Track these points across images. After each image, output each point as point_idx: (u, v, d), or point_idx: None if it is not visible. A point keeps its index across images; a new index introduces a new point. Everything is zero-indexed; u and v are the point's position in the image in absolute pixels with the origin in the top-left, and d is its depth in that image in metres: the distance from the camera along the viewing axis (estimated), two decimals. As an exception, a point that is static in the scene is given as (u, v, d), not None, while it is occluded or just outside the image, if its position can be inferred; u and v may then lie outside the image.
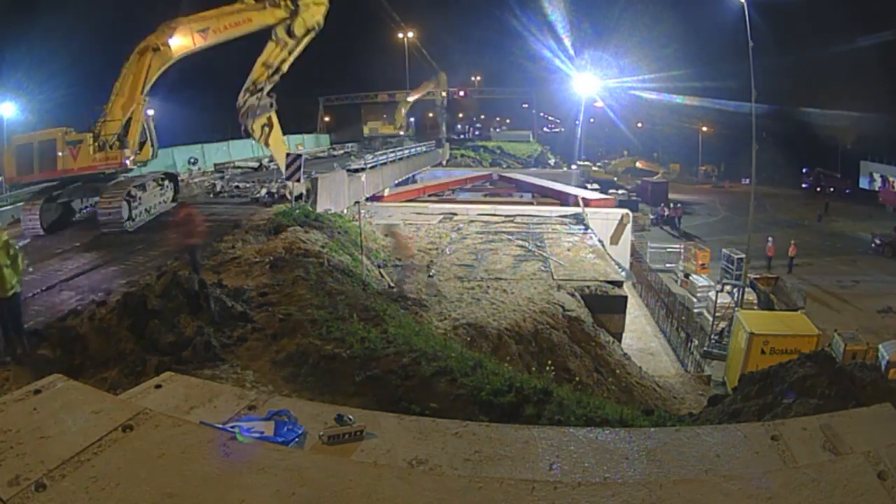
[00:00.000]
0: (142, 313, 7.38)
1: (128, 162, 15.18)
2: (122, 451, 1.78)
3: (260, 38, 16.84)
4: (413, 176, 35.77)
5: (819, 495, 1.60)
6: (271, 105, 17.35)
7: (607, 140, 71.58)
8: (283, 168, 17.12)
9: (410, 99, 47.79)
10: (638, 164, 59.20)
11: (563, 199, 27.34)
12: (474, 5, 71.66)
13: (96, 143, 14.58)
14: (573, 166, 49.95)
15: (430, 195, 31.30)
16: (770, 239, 27.63)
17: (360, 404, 5.88)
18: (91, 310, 8.14)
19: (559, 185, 33.02)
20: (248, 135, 17.65)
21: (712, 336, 18.28)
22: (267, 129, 17.47)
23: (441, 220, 21.12)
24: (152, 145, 16.35)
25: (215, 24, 15.34)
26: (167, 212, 15.65)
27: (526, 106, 70.88)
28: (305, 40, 16.91)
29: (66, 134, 14.55)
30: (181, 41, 14.86)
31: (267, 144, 17.87)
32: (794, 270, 26.35)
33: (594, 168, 55.93)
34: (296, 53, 17.04)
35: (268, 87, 17.10)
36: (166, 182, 16.75)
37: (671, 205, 39.73)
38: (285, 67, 17.15)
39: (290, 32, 16.45)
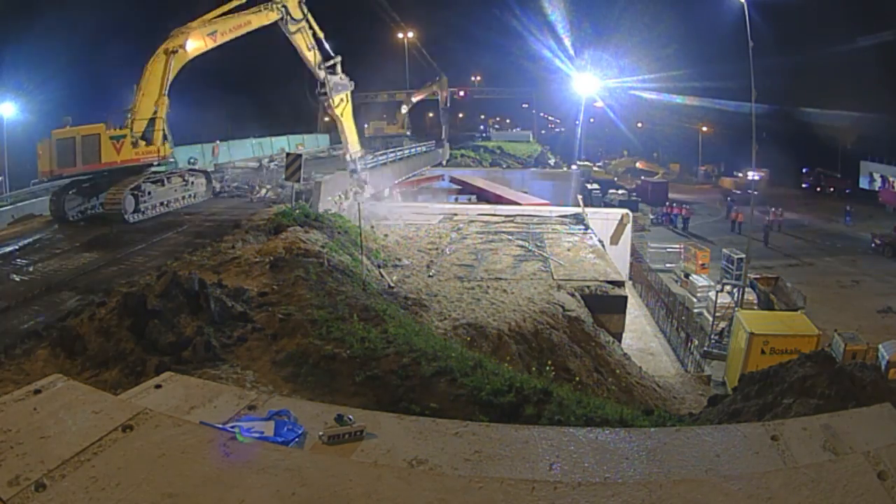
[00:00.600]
0: (142, 313, 7.38)
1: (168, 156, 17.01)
2: (122, 451, 1.78)
3: (258, 38, 18.42)
4: (414, 175, 35.75)
5: (819, 495, 1.60)
6: (350, 83, 20.14)
7: (607, 140, 71.60)
8: (352, 146, 20.77)
9: (414, 99, 47.61)
10: (638, 165, 59.18)
11: (497, 201, 28.22)
12: (474, 5, 71.73)
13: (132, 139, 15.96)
14: (573, 166, 49.93)
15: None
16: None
17: (360, 404, 5.89)
18: (91, 310, 8.15)
19: (500, 188, 33.46)
20: (324, 109, 20.83)
21: (712, 336, 18.27)
22: (343, 103, 20.14)
23: (441, 220, 21.12)
24: (170, 142, 17.66)
25: (222, 27, 16.66)
26: (197, 204, 17.77)
27: (526, 106, 70.88)
28: (307, 12, 18.86)
29: (108, 129, 15.69)
30: (195, 44, 16.20)
31: (340, 116, 20.30)
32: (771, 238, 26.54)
33: (595, 168, 55.90)
34: (314, 25, 18.96)
35: (339, 68, 19.70)
36: (192, 178, 18.00)
37: (682, 205, 39.53)
38: (322, 34, 19.26)
39: (293, 19, 18.33)
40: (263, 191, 19.40)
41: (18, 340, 7.84)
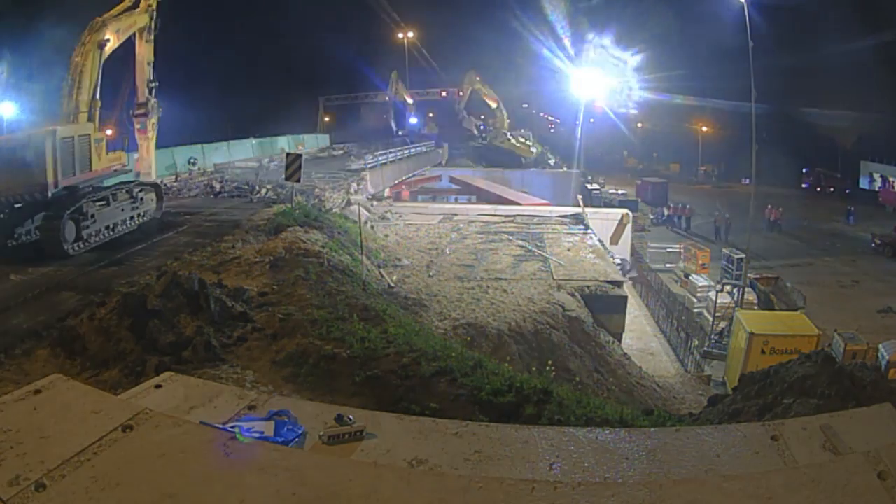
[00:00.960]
0: (142, 313, 7.38)
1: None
2: (122, 451, 1.78)
3: (259, 38, 17.62)
4: (413, 175, 35.79)
5: (819, 495, 1.60)
6: (160, 108, 18.96)
7: (607, 140, 71.41)
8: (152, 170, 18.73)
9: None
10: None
11: (497, 201, 28.13)
12: (474, 5, 71.57)
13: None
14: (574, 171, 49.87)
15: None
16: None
17: (360, 404, 5.89)
18: (91, 310, 8.15)
19: (500, 187, 33.50)
20: (136, 130, 18.73)
21: (712, 336, 18.27)
22: (154, 128, 18.98)
23: (441, 220, 21.12)
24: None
25: (123, 24, 15.64)
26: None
27: (526, 106, 70.82)
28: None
29: None
30: (111, 39, 14.90)
31: (151, 140, 19.02)
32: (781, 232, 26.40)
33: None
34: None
35: (154, 89, 18.53)
36: (142, 193, 14.51)
37: (685, 206, 39.27)
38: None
39: (151, 28, 17.48)
40: (263, 191, 19.41)
41: (18, 341, 7.84)
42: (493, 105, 46.61)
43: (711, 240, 32.37)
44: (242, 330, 7.74)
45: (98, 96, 14.25)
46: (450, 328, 11.21)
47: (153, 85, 18.35)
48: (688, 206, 38.82)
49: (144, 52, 17.62)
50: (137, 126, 18.65)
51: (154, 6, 17.17)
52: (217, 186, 20.61)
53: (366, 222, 16.64)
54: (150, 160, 19.29)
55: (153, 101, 18.49)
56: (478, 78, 42.90)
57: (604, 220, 22.00)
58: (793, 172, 52.68)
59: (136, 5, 16.36)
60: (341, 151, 37.37)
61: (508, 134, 47.40)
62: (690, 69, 52.41)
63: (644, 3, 55.66)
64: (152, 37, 17.62)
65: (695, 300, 21.75)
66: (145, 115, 18.35)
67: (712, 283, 22.27)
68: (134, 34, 16.80)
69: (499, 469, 2.07)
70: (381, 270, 14.30)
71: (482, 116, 63.66)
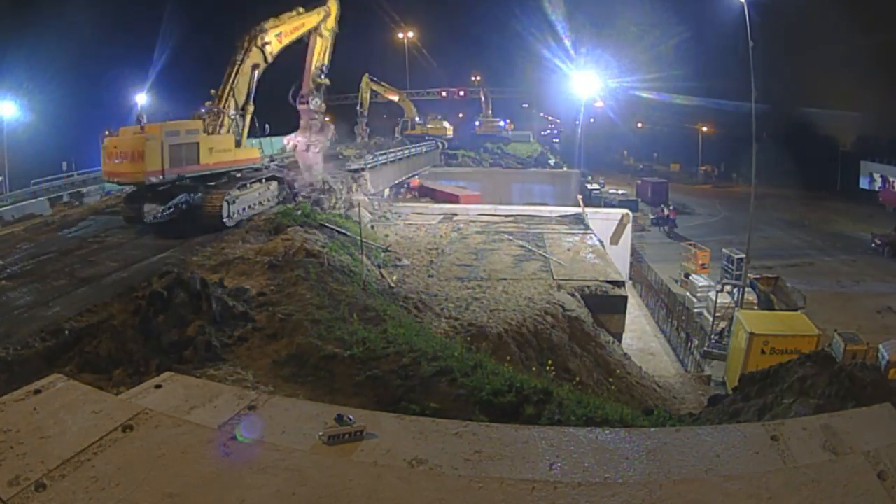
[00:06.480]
0: (148, 313, 7.39)
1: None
2: (122, 451, 1.78)
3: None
4: (413, 176, 35.75)
5: (819, 495, 1.60)
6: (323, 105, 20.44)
7: (608, 140, 71.44)
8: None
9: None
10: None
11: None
12: (474, 5, 71.71)
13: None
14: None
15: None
16: None
17: (360, 404, 5.90)
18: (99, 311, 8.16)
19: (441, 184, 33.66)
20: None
21: (712, 336, 18.26)
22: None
23: (441, 219, 21.12)
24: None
25: (285, 27, 16.72)
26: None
27: (526, 106, 70.91)
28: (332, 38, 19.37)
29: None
30: (272, 45, 16.17)
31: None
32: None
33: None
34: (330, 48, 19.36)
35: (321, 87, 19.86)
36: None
37: (670, 206, 39.07)
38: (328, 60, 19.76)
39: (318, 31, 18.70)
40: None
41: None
42: (396, 98, 46.85)
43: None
44: (243, 330, 7.75)
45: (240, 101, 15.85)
46: (450, 328, 11.20)
47: (320, 81, 19.31)
48: (672, 208, 38.36)
49: (314, 47, 18.69)
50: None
51: (332, 10, 18.48)
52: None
53: (367, 222, 16.63)
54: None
55: (316, 98, 19.48)
56: (372, 80, 42.68)
57: (604, 220, 21.98)
58: (793, 172, 52.65)
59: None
60: (339, 149, 37.28)
61: (417, 118, 48.10)
62: (690, 69, 52.49)
63: (645, 3, 55.71)
64: (326, 37, 18.80)
65: (695, 300, 21.74)
66: (306, 104, 19.32)
67: (712, 283, 22.26)
68: (309, 32, 17.95)
69: (499, 469, 2.07)
70: (382, 270, 14.29)
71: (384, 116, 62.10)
